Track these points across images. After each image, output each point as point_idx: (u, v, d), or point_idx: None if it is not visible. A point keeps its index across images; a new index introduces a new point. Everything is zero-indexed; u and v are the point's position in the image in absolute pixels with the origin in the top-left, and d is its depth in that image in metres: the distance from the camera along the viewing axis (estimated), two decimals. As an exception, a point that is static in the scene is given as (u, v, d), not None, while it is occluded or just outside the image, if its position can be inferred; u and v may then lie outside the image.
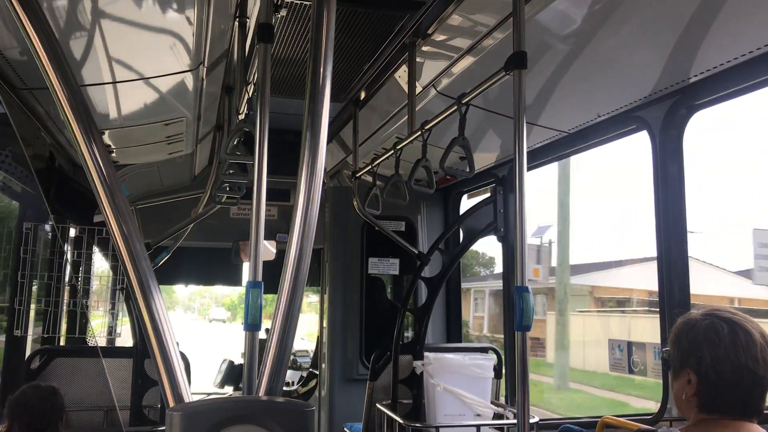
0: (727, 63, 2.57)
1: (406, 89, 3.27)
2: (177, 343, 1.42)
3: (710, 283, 18.59)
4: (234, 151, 2.83)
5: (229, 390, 7.53)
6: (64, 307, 4.28)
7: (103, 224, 2.48)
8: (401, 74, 3.39)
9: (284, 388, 1.47)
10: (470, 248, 4.34)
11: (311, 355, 7.76)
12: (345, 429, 4.86)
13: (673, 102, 2.98)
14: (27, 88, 2.90)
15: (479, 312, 28.79)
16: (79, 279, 4.47)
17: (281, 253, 3.60)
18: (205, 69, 2.90)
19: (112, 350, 4.30)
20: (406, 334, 4.88)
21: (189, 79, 2.89)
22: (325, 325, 5.46)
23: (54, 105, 1.48)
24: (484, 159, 4.21)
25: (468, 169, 2.79)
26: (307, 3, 2.85)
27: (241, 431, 1.30)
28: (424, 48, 3.07)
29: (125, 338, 4.19)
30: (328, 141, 3.54)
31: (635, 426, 2.76)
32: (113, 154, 3.89)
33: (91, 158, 1.41)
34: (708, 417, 1.64)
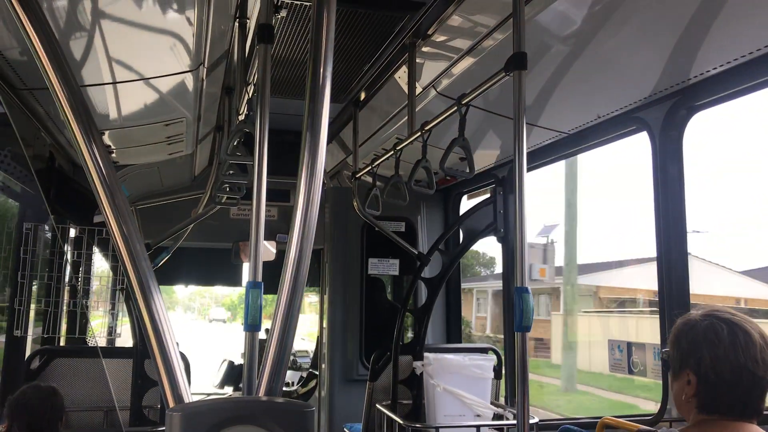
0: (727, 64, 2.58)
1: (406, 90, 3.26)
2: (177, 344, 1.43)
3: (716, 283, 18.58)
4: (234, 151, 2.83)
5: (229, 390, 7.54)
6: (64, 308, 4.28)
7: (103, 224, 2.49)
8: (401, 75, 3.39)
9: (284, 389, 1.47)
10: (471, 248, 4.34)
11: (311, 355, 7.77)
12: (345, 429, 4.86)
13: (673, 103, 2.98)
14: (27, 88, 2.90)
15: (482, 312, 28.54)
16: (79, 279, 4.47)
17: (281, 254, 3.60)
18: (205, 69, 2.90)
19: (112, 350, 4.30)
20: (406, 335, 4.89)
21: (189, 80, 2.89)
22: (325, 325, 5.46)
23: (54, 105, 1.48)
24: (484, 160, 4.21)
25: (468, 170, 2.80)
26: (307, 3, 2.85)
27: None
28: (424, 49, 3.07)
29: (125, 338, 4.20)
30: (328, 141, 3.54)
31: (635, 427, 2.75)
32: (113, 155, 3.88)
33: (91, 158, 1.41)
34: (707, 417, 1.64)
